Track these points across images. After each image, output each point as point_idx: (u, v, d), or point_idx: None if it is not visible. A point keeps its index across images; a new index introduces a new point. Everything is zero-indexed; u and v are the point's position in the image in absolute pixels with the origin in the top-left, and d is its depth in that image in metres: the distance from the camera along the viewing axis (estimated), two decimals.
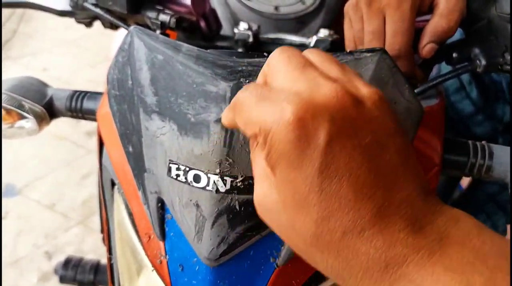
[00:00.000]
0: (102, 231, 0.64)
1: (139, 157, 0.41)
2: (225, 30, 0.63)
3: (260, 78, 0.29)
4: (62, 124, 2.22)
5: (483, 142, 0.46)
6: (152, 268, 0.42)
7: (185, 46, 0.39)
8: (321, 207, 0.23)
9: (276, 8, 0.64)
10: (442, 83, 0.46)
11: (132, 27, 0.42)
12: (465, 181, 1.19)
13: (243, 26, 0.56)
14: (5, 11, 3.01)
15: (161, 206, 0.40)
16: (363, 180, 0.23)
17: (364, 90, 0.26)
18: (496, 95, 0.87)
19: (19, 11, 3.10)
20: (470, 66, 0.46)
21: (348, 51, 0.37)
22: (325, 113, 0.23)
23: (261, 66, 0.37)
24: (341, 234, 0.23)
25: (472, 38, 0.47)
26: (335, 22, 0.64)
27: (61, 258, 0.92)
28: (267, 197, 0.25)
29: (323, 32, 0.55)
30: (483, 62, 0.45)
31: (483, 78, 0.88)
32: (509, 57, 0.44)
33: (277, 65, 0.27)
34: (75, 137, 2.13)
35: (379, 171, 0.24)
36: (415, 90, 0.47)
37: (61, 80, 2.42)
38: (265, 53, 0.43)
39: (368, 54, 0.36)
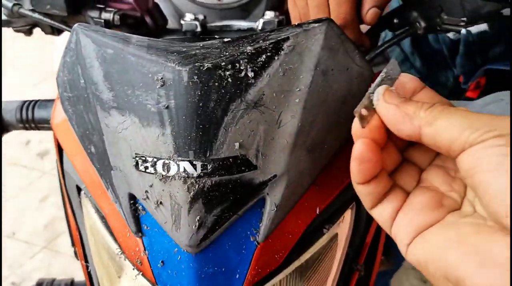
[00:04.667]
0: (72, 244, 0.62)
1: (103, 156, 0.40)
2: (171, 24, 0.62)
3: None
4: (11, 150, 2.11)
5: None
6: (133, 267, 0.41)
7: (135, 37, 0.39)
8: None
9: None
10: (388, 48, 0.48)
11: (76, 25, 0.41)
12: None
13: (189, 17, 0.56)
14: None
15: (134, 202, 0.40)
16: None
17: None
18: (438, 63, 0.92)
19: None
20: (411, 30, 0.48)
21: (296, 24, 0.38)
22: None
23: (215, 48, 0.37)
24: None
25: (410, 3, 0.49)
26: (279, 5, 0.65)
27: None
28: None
29: (269, 14, 0.56)
30: (422, 24, 0.47)
31: (424, 49, 0.93)
32: (445, 17, 0.47)
33: None
34: (27, 161, 2.03)
35: None
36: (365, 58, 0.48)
37: None
38: (216, 36, 0.43)
39: (316, 25, 0.37)
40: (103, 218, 0.44)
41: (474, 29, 0.72)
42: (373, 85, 0.30)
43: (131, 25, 0.56)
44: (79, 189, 0.47)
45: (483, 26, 0.72)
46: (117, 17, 0.52)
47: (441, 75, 0.93)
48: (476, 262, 0.23)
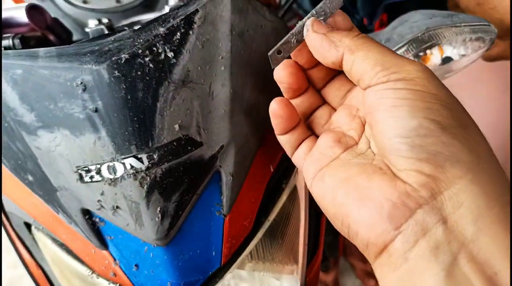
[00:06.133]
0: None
1: (43, 180, 0.38)
2: (77, 36, 0.60)
3: None
4: None
5: None
6: (108, 282, 0.40)
7: (42, 50, 0.37)
8: None
9: (117, 0, 0.63)
10: (293, 4, 0.50)
11: None
12: None
13: (93, 23, 0.54)
14: None
15: (89, 217, 0.38)
16: None
17: None
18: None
19: None
20: None
21: None
22: None
23: (127, 38, 0.36)
24: None
25: None
26: None
27: None
28: None
29: (173, 0, 0.55)
30: None
31: None
32: None
33: None
34: None
35: None
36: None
37: None
38: (125, 28, 0.42)
39: None
40: (62, 245, 0.42)
41: None
42: (303, 19, 0.31)
43: (34, 46, 0.53)
44: (28, 225, 0.45)
45: None
46: (17, 41, 0.49)
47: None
48: (355, 198, 0.25)
